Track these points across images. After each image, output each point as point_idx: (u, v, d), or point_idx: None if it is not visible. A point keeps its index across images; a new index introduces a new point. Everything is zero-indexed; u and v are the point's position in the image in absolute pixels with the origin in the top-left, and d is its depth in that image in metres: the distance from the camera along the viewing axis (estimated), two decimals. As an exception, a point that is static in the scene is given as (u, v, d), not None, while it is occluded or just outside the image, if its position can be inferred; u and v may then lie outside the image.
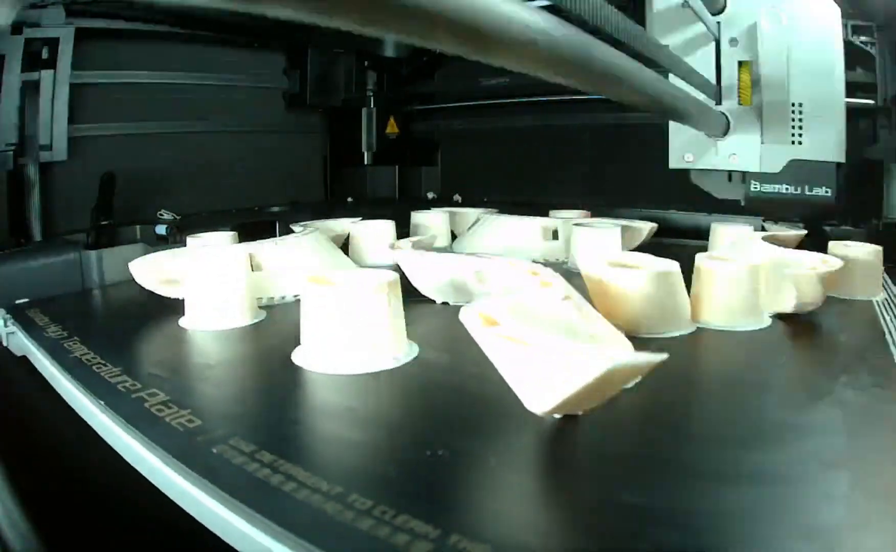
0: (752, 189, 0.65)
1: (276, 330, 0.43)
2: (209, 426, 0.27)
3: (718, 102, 0.65)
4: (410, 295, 0.38)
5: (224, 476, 0.23)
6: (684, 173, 0.71)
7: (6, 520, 0.31)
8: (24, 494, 0.31)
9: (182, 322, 0.44)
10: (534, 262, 0.63)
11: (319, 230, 0.61)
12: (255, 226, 0.70)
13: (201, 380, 0.34)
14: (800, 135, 0.62)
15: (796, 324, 0.42)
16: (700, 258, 0.44)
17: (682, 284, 0.41)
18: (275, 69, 0.99)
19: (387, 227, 0.69)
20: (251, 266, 0.47)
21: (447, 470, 0.24)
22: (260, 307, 0.47)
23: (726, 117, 0.64)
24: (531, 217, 0.70)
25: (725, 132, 0.64)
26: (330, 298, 0.34)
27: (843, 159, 0.61)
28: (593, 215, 0.76)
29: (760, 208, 0.69)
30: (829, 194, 0.61)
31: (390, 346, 0.35)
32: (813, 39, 0.60)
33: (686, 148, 0.68)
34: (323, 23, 0.16)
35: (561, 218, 0.70)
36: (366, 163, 1.10)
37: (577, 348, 0.24)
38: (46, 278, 0.57)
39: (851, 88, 0.70)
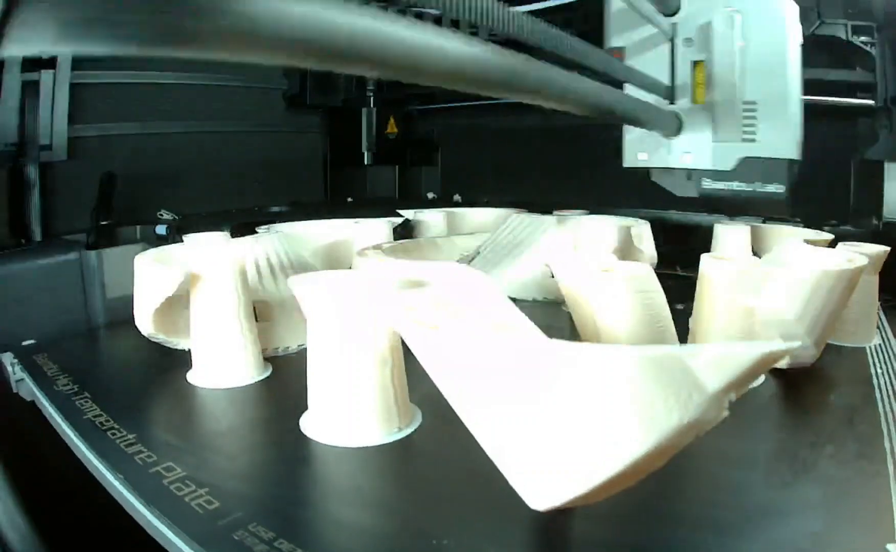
0: (704, 186, 0.66)
1: (282, 389, 0.43)
2: (228, 508, 0.28)
3: (672, 102, 0.66)
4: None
5: None
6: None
7: (6, 521, 0.31)
8: (30, 506, 0.32)
9: (190, 377, 0.44)
10: (534, 300, 0.63)
11: (283, 233, 0.57)
12: (255, 226, 0.69)
13: (214, 451, 0.34)
14: (752, 132, 0.62)
15: (787, 380, 0.42)
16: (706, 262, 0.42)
17: (662, 296, 0.40)
18: (275, 69, 0.99)
19: (381, 229, 0.63)
20: (255, 316, 0.46)
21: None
22: (265, 358, 0.46)
23: (678, 116, 0.65)
24: (545, 216, 0.69)
25: (678, 131, 0.65)
26: (339, 371, 0.34)
27: (797, 156, 0.62)
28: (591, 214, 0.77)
29: (716, 205, 0.71)
30: (782, 191, 0.62)
31: (394, 417, 0.35)
32: (766, 38, 0.60)
33: (640, 147, 0.69)
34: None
35: (566, 217, 0.70)
36: (366, 163, 1.10)
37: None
38: (47, 279, 0.57)
39: (851, 88, 0.70)
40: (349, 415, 0.34)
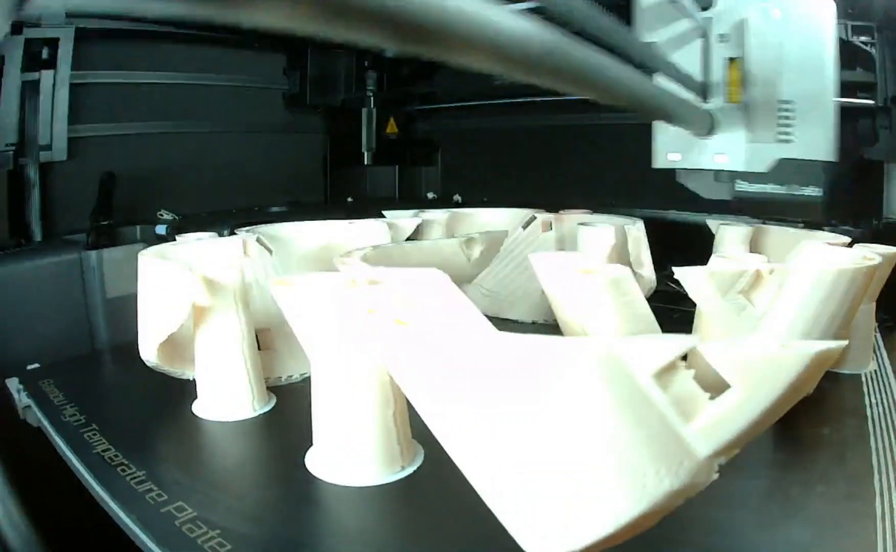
0: (739, 189, 0.64)
1: (286, 422, 0.43)
2: (239, 551, 0.29)
3: (705, 100, 0.62)
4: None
5: None
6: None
7: (6, 521, 0.31)
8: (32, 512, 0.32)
9: (195, 408, 0.44)
10: (533, 322, 0.63)
11: (263, 236, 0.55)
12: (255, 226, 0.69)
13: (223, 489, 0.35)
14: (789, 133, 0.59)
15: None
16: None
17: (643, 297, 0.39)
18: (275, 69, 0.99)
19: (375, 231, 0.60)
20: (258, 344, 0.46)
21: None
22: (268, 388, 0.46)
23: (712, 115, 0.62)
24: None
25: (711, 131, 0.62)
26: (343, 405, 0.34)
27: (833, 158, 0.60)
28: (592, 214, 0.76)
29: (749, 209, 0.68)
30: (819, 194, 0.60)
31: (396, 456, 0.35)
32: (805, 36, 0.58)
33: (671, 146, 0.66)
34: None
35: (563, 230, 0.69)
36: (366, 163, 1.10)
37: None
38: (47, 279, 0.57)
39: (851, 88, 0.70)
40: (353, 454, 0.35)
